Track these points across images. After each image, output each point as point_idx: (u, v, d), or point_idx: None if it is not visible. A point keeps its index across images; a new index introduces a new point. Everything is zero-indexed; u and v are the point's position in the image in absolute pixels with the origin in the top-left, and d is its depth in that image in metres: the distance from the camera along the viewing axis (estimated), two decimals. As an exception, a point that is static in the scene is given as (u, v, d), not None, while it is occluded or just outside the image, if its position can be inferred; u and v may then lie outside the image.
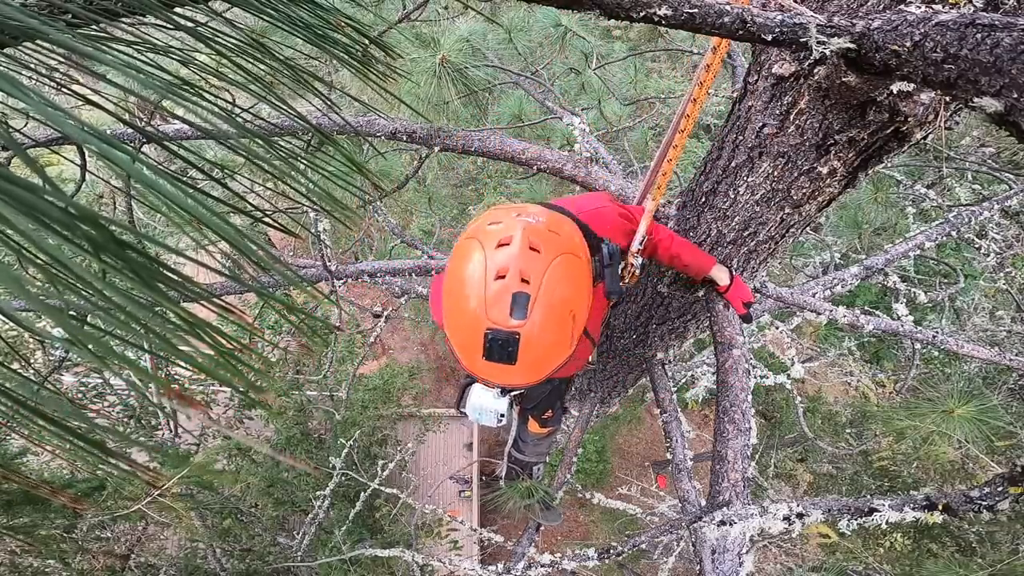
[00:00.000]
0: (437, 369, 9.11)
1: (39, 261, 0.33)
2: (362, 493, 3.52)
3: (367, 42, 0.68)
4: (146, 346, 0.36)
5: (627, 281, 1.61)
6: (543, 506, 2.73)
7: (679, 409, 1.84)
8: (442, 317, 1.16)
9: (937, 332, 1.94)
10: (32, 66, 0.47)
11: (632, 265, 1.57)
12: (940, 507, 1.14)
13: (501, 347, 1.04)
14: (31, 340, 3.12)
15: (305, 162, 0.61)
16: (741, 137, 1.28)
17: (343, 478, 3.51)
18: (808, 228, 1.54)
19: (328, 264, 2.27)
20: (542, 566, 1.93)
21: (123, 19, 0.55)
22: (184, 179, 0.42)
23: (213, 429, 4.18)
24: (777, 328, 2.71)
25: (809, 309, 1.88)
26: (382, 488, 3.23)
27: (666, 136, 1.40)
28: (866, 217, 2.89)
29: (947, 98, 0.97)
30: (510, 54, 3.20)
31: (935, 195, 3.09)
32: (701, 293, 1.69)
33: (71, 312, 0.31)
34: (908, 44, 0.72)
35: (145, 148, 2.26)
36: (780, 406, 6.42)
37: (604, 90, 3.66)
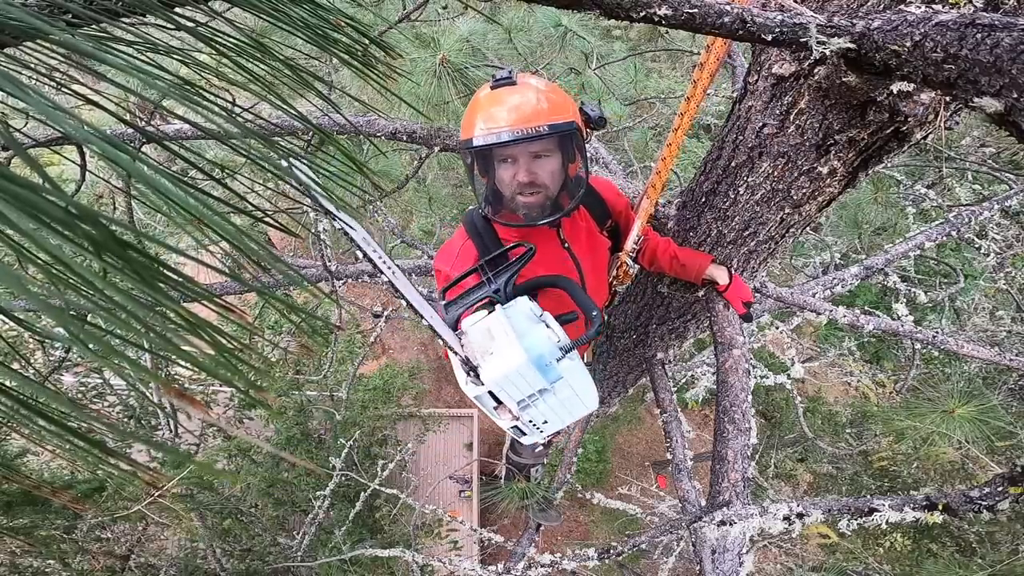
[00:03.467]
0: (437, 369, 9.11)
1: (40, 261, 0.33)
2: (362, 493, 3.52)
3: (367, 42, 0.68)
4: (147, 345, 0.36)
5: (620, 280, 1.61)
6: (542, 506, 2.73)
7: (679, 409, 1.84)
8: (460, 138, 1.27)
9: (937, 332, 1.94)
10: (32, 66, 0.47)
11: (626, 264, 1.57)
12: (940, 507, 1.14)
13: (502, 78, 1.19)
14: (31, 340, 3.12)
15: (306, 162, 0.61)
16: (741, 137, 1.28)
17: (343, 478, 3.51)
18: (808, 228, 1.54)
19: (328, 264, 2.27)
20: (542, 566, 1.93)
21: (123, 19, 0.55)
22: (185, 179, 0.42)
23: (213, 429, 4.18)
24: (777, 328, 2.71)
25: (809, 309, 1.88)
26: (382, 488, 3.22)
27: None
28: (866, 217, 2.90)
29: (947, 98, 0.97)
30: (510, 54, 3.20)
31: (935, 195, 3.09)
32: (701, 293, 1.69)
33: (72, 312, 0.31)
34: (908, 44, 0.72)
35: (145, 148, 2.26)
36: (780, 406, 6.41)
37: (604, 90, 3.66)
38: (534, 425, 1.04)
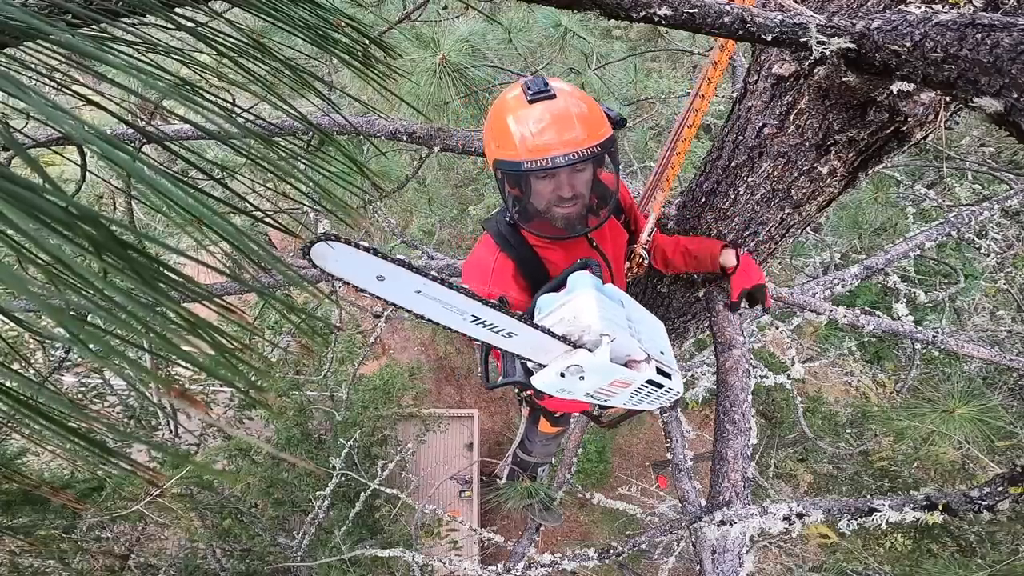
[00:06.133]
0: (437, 369, 9.11)
1: (40, 261, 0.33)
2: (362, 493, 3.52)
3: (367, 42, 0.68)
4: (147, 345, 0.36)
5: (635, 272, 1.60)
6: (543, 507, 2.73)
7: (679, 409, 1.84)
8: (490, 153, 1.23)
9: (937, 332, 1.94)
10: (33, 66, 0.47)
11: (640, 256, 1.56)
12: (940, 507, 1.14)
13: (539, 89, 1.14)
14: (31, 340, 3.12)
15: (305, 162, 0.61)
16: (741, 137, 1.28)
17: (343, 478, 3.51)
18: (808, 228, 1.54)
19: (328, 264, 2.26)
20: (542, 566, 1.93)
21: (124, 19, 0.55)
22: (185, 179, 0.42)
23: (214, 429, 4.18)
24: (777, 328, 2.71)
25: (809, 309, 1.88)
26: (382, 488, 3.23)
27: (672, 132, 1.41)
28: (866, 217, 2.90)
29: (947, 98, 0.97)
30: (510, 54, 3.19)
31: (935, 195, 3.09)
32: (701, 294, 1.69)
33: (72, 312, 0.31)
34: (908, 44, 0.72)
35: (145, 148, 2.26)
36: (780, 406, 6.41)
37: (604, 90, 3.65)
38: (664, 356, 1.05)
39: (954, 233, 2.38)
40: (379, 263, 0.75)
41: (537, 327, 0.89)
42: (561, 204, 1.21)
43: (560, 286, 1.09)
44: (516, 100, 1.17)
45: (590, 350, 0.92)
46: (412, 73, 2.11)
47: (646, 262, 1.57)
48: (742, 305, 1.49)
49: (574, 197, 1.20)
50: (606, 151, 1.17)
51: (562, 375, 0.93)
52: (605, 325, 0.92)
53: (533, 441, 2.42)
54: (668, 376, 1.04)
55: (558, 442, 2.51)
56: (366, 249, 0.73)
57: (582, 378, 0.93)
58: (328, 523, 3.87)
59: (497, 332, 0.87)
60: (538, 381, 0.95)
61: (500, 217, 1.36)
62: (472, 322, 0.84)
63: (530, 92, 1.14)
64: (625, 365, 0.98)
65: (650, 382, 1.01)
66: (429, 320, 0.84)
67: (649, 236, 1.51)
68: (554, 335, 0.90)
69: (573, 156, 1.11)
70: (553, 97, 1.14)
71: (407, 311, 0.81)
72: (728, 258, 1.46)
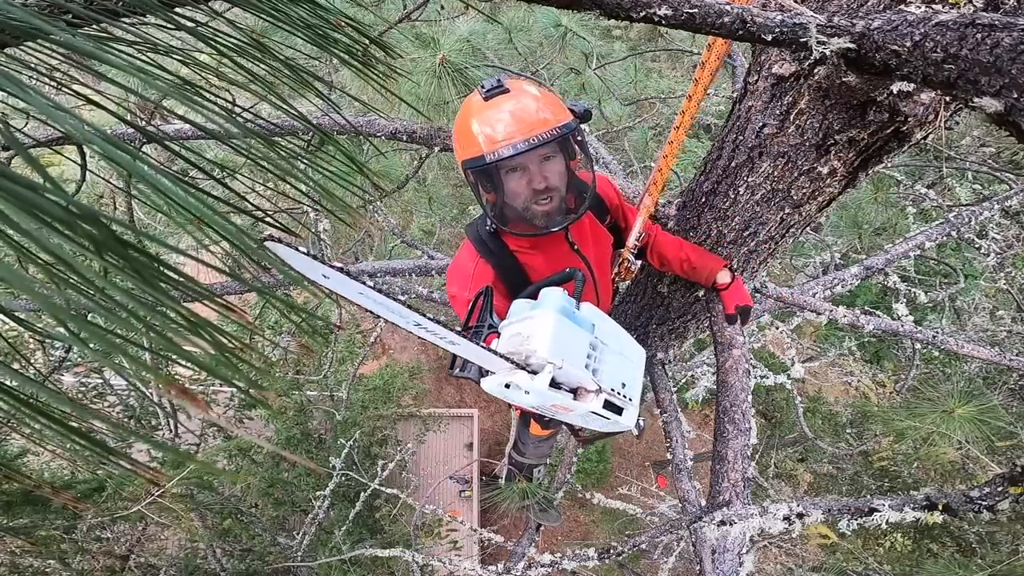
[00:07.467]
0: (437, 369, 9.10)
1: (40, 261, 0.33)
2: (362, 493, 3.52)
3: (367, 42, 0.68)
4: (147, 344, 0.36)
5: (622, 276, 1.60)
6: (543, 507, 2.73)
7: (679, 409, 1.84)
8: (459, 158, 1.24)
9: (937, 332, 1.94)
10: (33, 66, 0.47)
11: (628, 261, 1.56)
12: (940, 507, 1.14)
13: (492, 87, 1.17)
14: (31, 340, 3.12)
15: (306, 162, 0.61)
16: (741, 137, 1.28)
17: (343, 478, 3.52)
18: (808, 228, 1.54)
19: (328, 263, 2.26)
20: (542, 566, 1.93)
21: (124, 19, 0.55)
22: (185, 179, 0.42)
23: (213, 429, 4.18)
24: (777, 328, 2.71)
25: (809, 309, 1.88)
26: (382, 488, 3.23)
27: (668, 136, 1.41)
28: (866, 217, 2.90)
29: (947, 98, 0.97)
30: (510, 54, 3.20)
31: (935, 195, 3.09)
32: (701, 293, 1.69)
33: (73, 311, 0.31)
34: (908, 44, 0.72)
35: (146, 148, 2.26)
36: (780, 406, 6.41)
37: (604, 90, 3.66)
38: (618, 393, 1.05)
39: (954, 233, 2.38)
40: (321, 267, 0.77)
41: (478, 345, 0.90)
42: (537, 199, 1.20)
43: (538, 292, 1.10)
44: (476, 103, 1.18)
45: (534, 372, 0.93)
46: (412, 73, 2.11)
47: (634, 268, 1.56)
48: (737, 318, 1.53)
49: (548, 189, 1.20)
50: (568, 134, 1.17)
51: (507, 386, 0.95)
52: (553, 352, 0.93)
53: (526, 443, 2.42)
54: (619, 411, 1.05)
55: (551, 444, 2.50)
56: (306, 254, 0.75)
57: (527, 392, 0.95)
58: (328, 523, 3.87)
59: (441, 339, 0.89)
60: (486, 384, 0.98)
61: (480, 223, 1.36)
62: (416, 326, 0.86)
63: (484, 90, 1.17)
64: (575, 392, 0.99)
65: (595, 413, 1.02)
66: (379, 316, 0.86)
67: (637, 240, 1.50)
68: (496, 353, 0.92)
69: (534, 140, 1.11)
70: (507, 91, 1.15)
71: (359, 306, 0.84)
72: (724, 276, 1.49)
